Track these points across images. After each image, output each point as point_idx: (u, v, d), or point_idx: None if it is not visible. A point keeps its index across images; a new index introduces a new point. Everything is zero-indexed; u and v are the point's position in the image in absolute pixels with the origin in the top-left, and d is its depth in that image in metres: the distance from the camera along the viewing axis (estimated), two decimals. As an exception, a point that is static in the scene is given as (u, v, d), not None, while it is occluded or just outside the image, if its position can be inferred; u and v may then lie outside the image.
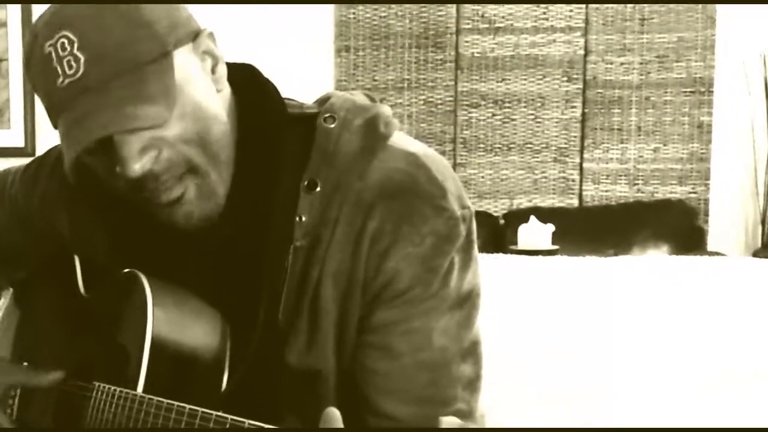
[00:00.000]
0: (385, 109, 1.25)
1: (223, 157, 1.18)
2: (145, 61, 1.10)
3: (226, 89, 1.22)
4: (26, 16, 4.60)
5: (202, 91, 1.16)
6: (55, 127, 1.15)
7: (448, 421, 0.86)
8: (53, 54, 1.10)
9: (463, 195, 1.22)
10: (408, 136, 1.26)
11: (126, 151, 1.11)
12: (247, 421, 1.01)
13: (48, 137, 4.54)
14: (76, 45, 1.09)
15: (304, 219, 1.18)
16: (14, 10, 4.61)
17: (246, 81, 1.25)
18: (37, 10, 4.50)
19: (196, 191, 1.16)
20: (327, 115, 1.22)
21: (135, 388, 1.15)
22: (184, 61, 1.14)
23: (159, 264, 1.24)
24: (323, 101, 1.27)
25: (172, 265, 1.25)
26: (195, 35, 1.17)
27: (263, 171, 1.21)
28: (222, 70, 1.20)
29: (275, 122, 1.23)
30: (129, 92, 1.08)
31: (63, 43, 1.09)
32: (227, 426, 1.03)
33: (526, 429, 2.21)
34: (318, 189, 1.19)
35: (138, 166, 1.11)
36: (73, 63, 1.09)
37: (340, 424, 0.98)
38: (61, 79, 1.10)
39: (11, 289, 1.53)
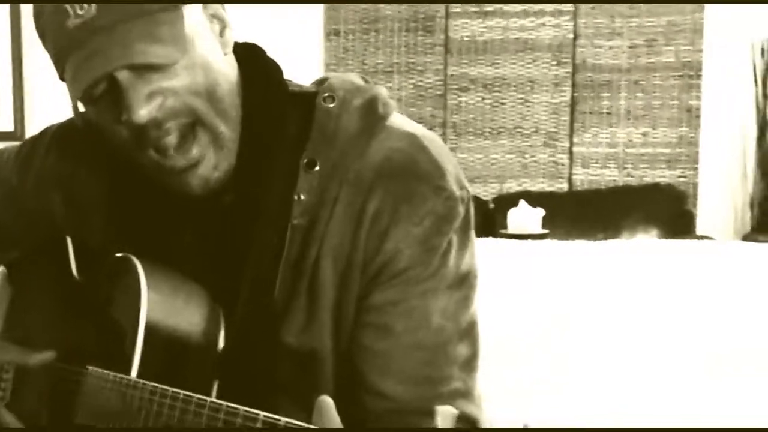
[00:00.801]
0: (383, 91, 1.26)
1: (231, 115, 1.18)
2: (157, 9, 1.10)
3: (232, 59, 1.22)
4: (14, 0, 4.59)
5: (210, 48, 1.16)
6: (62, 78, 1.15)
7: (444, 409, 0.86)
8: (66, 3, 1.10)
9: (461, 176, 1.23)
10: (406, 117, 1.27)
11: (133, 95, 1.11)
12: (242, 408, 1.01)
13: (37, 121, 4.54)
14: None
15: (302, 197, 1.18)
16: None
17: (250, 57, 1.25)
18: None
19: (213, 149, 1.17)
20: (326, 94, 1.23)
21: (129, 373, 1.15)
22: (194, 17, 1.15)
23: (155, 241, 1.25)
24: (320, 82, 1.27)
25: (168, 242, 1.25)
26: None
27: (264, 147, 1.21)
28: (229, 35, 1.20)
29: (277, 99, 1.24)
30: (140, 32, 1.09)
31: None
32: (221, 413, 1.03)
33: (527, 429, 2.22)
34: (317, 168, 1.19)
35: (144, 111, 1.11)
36: (85, 5, 1.09)
37: (333, 413, 0.98)
38: (72, 20, 1.10)
39: (2, 270, 1.52)
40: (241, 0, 4.41)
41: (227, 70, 1.19)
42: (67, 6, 1.10)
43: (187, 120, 1.14)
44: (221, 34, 1.19)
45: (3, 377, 1.40)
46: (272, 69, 1.27)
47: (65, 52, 1.12)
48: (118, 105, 1.12)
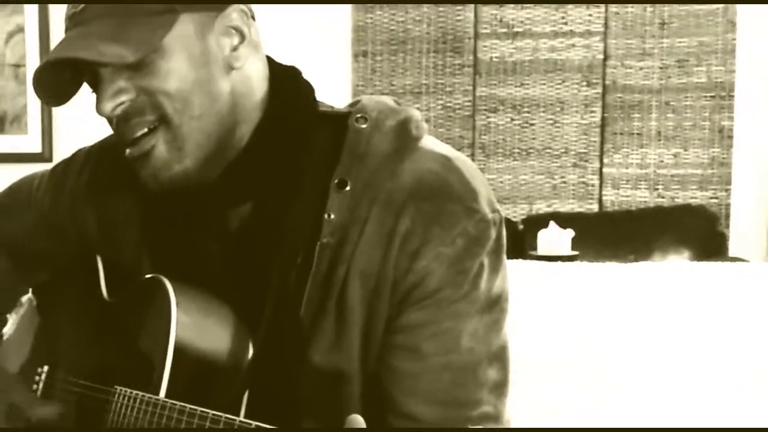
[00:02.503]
0: (416, 113, 1.27)
1: (211, 124, 1.19)
2: (144, 11, 1.14)
3: (258, 76, 1.22)
4: (43, 22, 4.62)
5: (202, 58, 1.17)
6: None
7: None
8: None
9: (493, 198, 1.23)
10: (437, 140, 1.27)
11: (103, 89, 1.16)
12: (271, 428, 1.01)
13: (65, 143, 4.57)
14: None
15: (332, 217, 1.19)
16: (32, 16, 4.63)
17: (284, 76, 1.27)
18: (54, 17, 4.53)
19: (166, 147, 1.18)
20: (359, 115, 1.23)
21: (157, 393, 1.15)
22: (193, 25, 1.16)
23: (184, 261, 1.25)
24: (354, 104, 1.28)
25: (196, 262, 1.25)
26: (221, 9, 1.19)
27: (283, 163, 1.21)
28: (245, 51, 1.21)
29: (303, 117, 1.24)
30: (109, 30, 1.13)
31: None
32: (251, 432, 1.03)
33: (537, 429, 2.21)
34: (348, 188, 1.19)
35: (110, 105, 1.16)
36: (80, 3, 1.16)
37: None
38: (69, 11, 1.18)
39: (29, 292, 1.53)
40: None
41: (222, 82, 1.19)
42: (72, 5, 1.18)
43: (153, 117, 1.16)
44: (235, 48, 1.20)
45: (33, 384, 1.41)
46: (303, 89, 1.28)
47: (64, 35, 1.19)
48: (96, 96, 1.17)
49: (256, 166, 1.21)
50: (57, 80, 1.20)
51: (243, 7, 1.21)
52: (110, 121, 1.19)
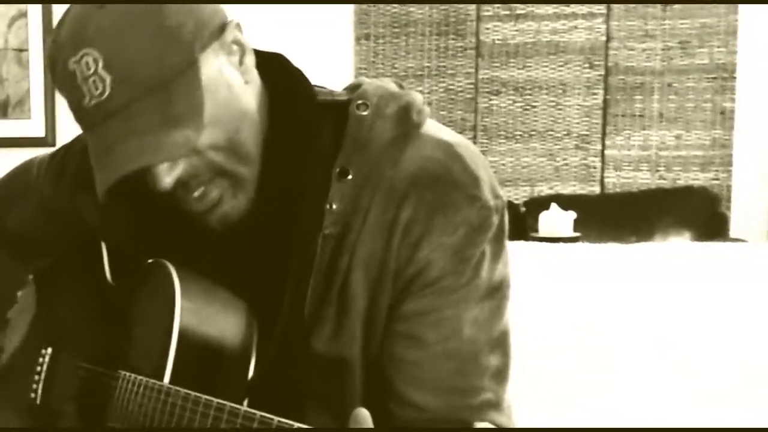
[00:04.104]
0: (417, 97, 1.25)
1: (253, 155, 1.18)
2: (172, 75, 1.09)
3: (255, 79, 1.21)
4: (46, 6, 4.61)
5: (230, 90, 1.15)
6: (93, 162, 1.15)
7: (483, 425, 0.86)
8: (77, 73, 1.09)
9: (495, 185, 1.22)
10: (440, 124, 1.26)
11: (157, 168, 1.12)
12: (276, 419, 1.01)
13: (68, 127, 4.55)
14: (101, 64, 1.08)
15: (334, 207, 1.18)
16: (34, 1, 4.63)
17: (275, 69, 1.25)
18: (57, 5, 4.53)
19: (231, 191, 1.17)
20: (359, 102, 1.22)
21: (161, 379, 1.15)
22: (211, 63, 1.13)
23: (186, 251, 1.25)
24: (354, 88, 1.26)
25: (199, 253, 1.25)
26: (221, 30, 1.16)
27: (293, 159, 1.21)
28: (250, 61, 1.19)
29: (305, 110, 1.23)
30: (155, 117, 1.08)
31: (87, 62, 1.08)
32: (255, 423, 1.03)
33: (549, 429, 2.21)
34: (350, 177, 1.18)
35: (169, 179, 1.12)
36: (98, 83, 1.08)
37: (370, 424, 0.98)
38: (87, 99, 1.09)
39: (30, 278, 1.54)
40: (273, 0, 4.41)
41: (248, 104, 1.18)
42: (81, 83, 1.09)
43: (210, 175, 1.15)
44: (241, 62, 1.18)
45: (35, 378, 1.41)
46: (298, 80, 1.26)
47: (83, 126, 1.14)
48: (144, 171, 1.12)
49: (273, 169, 1.21)
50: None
51: (226, 17, 1.18)
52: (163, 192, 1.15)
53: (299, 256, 1.19)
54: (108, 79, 1.08)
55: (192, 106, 1.09)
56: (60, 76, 1.12)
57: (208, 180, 1.16)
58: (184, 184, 1.15)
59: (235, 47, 1.18)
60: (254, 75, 1.20)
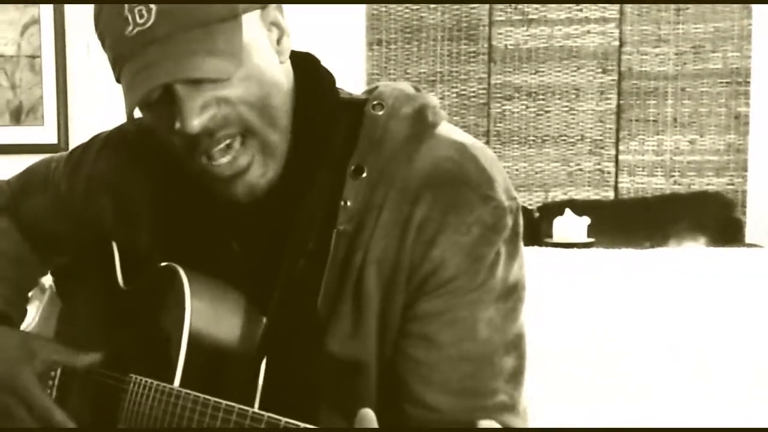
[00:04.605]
0: (433, 99, 1.26)
1: (282, 124, 1.19)
2: (215, 19, 1.10)
3: (288, 67, 1.22)
4: (58, 13, 4.63)
5: (266, 58, 1.17)
6: (118, 81, 1.16)
7: (487, 424, 0.85)
8: (125, 6, 1.11)
9: (510, 186, 1.22)
10: (454, 127, 1.26)
11: (187, 105, 1.12)
12: (284, 419, 1.01)
13: (81, 134, 4.58)
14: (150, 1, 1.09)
15: (349, 204, 1.18)
16: (47, 8, 4.64)
17: (305, 66, 1.26)
18: (69, 8, 4.54)
19: (262, 158, 1.17)
20: (375, 102, 1.23)
21: (172, 382, 1.15)
22: (252, 27, 1.15)
23: (200, 248, 1.25)
24: (371, 91, 1.28)
25: (213, 249, 1.25)
26: (264, 5, 1.18)
27: (314, 153, 1.21)
28: (287, 43, 1.21)
29: (329, 106, 1.24)
30: (197, 45, 1.09)
31: None
32: (263, 424, 1.03)
33: (559, 429, 2.20)
34: (364, 175, 1.19)
35: (197, 122, 1.12)
36: (144, 12, 1.10)
37: (374, 425, 0.97)
38: (130, 28, 1.11)
39: (50, 278, 1.54)
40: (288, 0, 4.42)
41: (281, 79, 1.19)
42: (128, 13, 1.10)
43: (238, 130, 1.15)
44: (279, 42, 1.19)
45: (50, 375, 1.42)
46: (326, 77, 1.28)
47: (122, 59, 1.13)
48: (172, 112, 1.13)
49: (297, 160, 1.21)
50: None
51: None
52: (178, 135, 1.15)
53: (293, 248, 1.19)
54: (154, 9, 1.09)
55: (232, 46, 1.11)
56: (106, 13, 1.14)
57: (235, 134, 1.15)
58: (211, 134, 1.14)
59: (274, 27, 1.19)
60: (288, 61, 1.21)
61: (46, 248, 1.54)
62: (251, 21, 1.15)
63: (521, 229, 1.23)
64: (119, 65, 1.14)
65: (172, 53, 1.09)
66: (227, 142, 1.15)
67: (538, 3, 4.57)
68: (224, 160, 1.16)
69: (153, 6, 1.09)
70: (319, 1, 4.54)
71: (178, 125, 1.12)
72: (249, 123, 1.15)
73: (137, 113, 1.17)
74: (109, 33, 1.14)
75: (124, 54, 1.12)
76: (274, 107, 1.17)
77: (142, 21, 1.10)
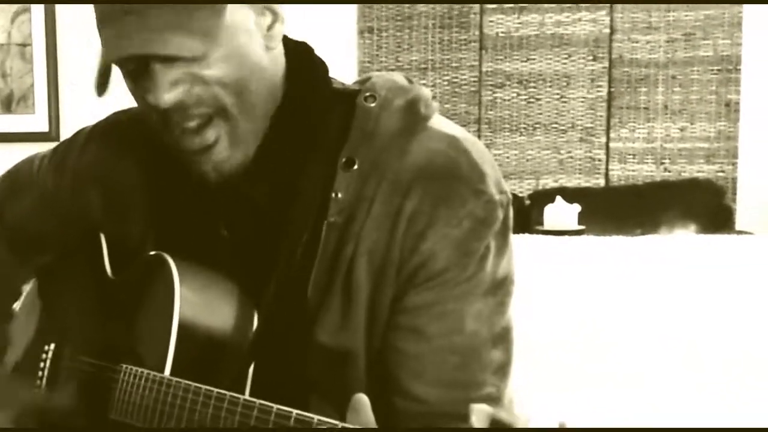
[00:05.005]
0: (426, 92, 1.26)
1: (259, 111, 1.19)
2: None
3: (279, 54, 1.22)
4: (49, 1, 4.62)
5: (251, 42, 1.16)
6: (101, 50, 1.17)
7: (479, 409, 0.85)
8: None
9: (501, 180, 1.22)
10: (447, 120, 1.26)
11: (159, 80, 1.12)
12: (275, 407, 1.01)
13: (72, 122, 4.58)
14: None
15: (340, 195, 1.18)
16: (38, -4, 4.64)
17: (299, 54, 1.26)
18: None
19: (228, 138, 1.17)
20: (368, 94, 1.23)
21: (162, 371, 1.15)
22: (237, 11, 1.14)
23: (190, 237, 1.25)
24: (364, 81, 1.27)
25: (203, 238, 1.26)
26: None
27: (301, 143, 1.21)
28: (279, 29, 1.20)
29: (320, 95, 1.24)
30: (171, 20, 1.10)
31: None
32: (255, 411, 1.03)
33: (550, 429, 2.20)
34: (356, 167, 1.19)
35: (167, 96, 1.13)
36: None
37: (368, 411, 0.97)
38: None
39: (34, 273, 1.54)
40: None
41: (266, 64, 1.19)
42: None
43: (212, 110, 1.15)
44: (270, 27, 1.19)
45: (39, 375, 1.42)
46: (319, 66, 1.28)
47: (101, 24, 1.15)
48: (147, 86, 1.13)
49: (279, 148, 1.21)
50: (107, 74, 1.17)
51: None
52: (153, 109, 1.16)
53: (290, 239, 1.19)
54: None
55: (208, 26, 1.11)
56: None
57: (208, 114, 1.16)
58: (183, 110, 1.15)
59: (267, 12, 1.19)
60: (279, 47, 1.22)
61: (33, 248, 1.53)
62: (237, 5, 1.15)
63: (511, 223, 1.24)
64: (99, 29, 1.15)
65: (146, 26, 1.10)
66: (198, 120, 1.16)
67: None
68: (192, 124, 1.16)
69: None
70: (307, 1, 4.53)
71: (150, 99, 1.13)
72: (223, 104, 1.15)
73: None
74: None
75: (104, 19, 1.14)
76: (253, 91, 1.17)
77: None
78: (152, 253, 1.25)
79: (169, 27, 1.10)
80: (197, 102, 1.14)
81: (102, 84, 1.16)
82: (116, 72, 1.19)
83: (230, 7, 1.13)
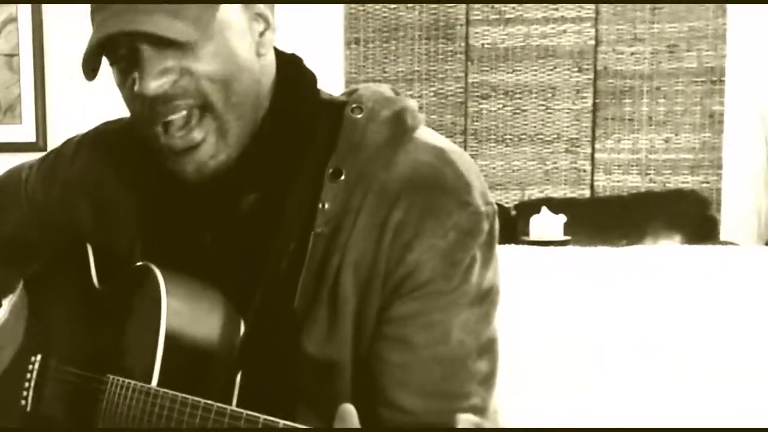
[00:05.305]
0: (412, 103, 1.26)
1: (245, 111, 1.19)
2: None
3: (270, 61, 1.23)
4: (36, 11, 4.61)
5: (242, 43, 1.18)
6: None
7: (465, 419, 0.86)
8: None
9: (487, 192, 1.23)
10: (433, 131, 1.27)
11: (148, 67, 1.13)
12: (262, 417, 1.02)
13: (59, 132, 4.57)
14: None
15: (326, 206, 1.19)
16: (25, 6, 4.63)
17: (289, 65, 1.27)
18: (47, 7, 4.53)
19: (215, 135, 1.17)
20: (355, 105, 1.23)
21: (149, 382, 1.15)
22: (231, 11, 1.16)
23: (178, 247, 1.25)
24: (351, 93, 1.28)
25: (190, 248, 1.26)
26: None
27: (287, 152, 1.22)
28: (270, 37, 1.22)
29: (308, 106, 1.25)
30: (163, 6, 1.11)
31: None
32: (242, 422, 1.03)
33: (538, 429, 2.21)
34: (342, 178, 1.19)
35: (154, 84, 1.13)
36: None
37: (355, 421, 0.98)
38: None
39: (21, 285, 1.54)
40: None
41: (255, 68, 1.20)
42: None
43: (196, 102, 1.15)
44: (262, 34, 1.20)
45: (25, 386, 1.41)
46: (307, 77, 1.29)
47: (97, 8, 1.15)
48: (134, 75, 1.14)
49: (266, 156, 1.22)
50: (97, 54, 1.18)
51: None
52: (138, 100, 1.16)
53: (277, 249, 1.20)
54: None
55: (199, 14, 1.13)
56: None
57: (193, 109, 1.16)
58: (168, 100, 1.15)
59: (260, 19, 1.20)
60: (270, 56, 1.22)
61: (21, 258, 1.53)
62: (231, 6, 1.16)
63: (497, 234, 1.24)
64: (93, 14, 1.16)
65: (138, 8, 1.11)
66: (184, 112, 1.16)
67: (514, 2, 4.59)
68: (179, 133, 1.16)
69: None
70: (297, 1, 4.54)
71: (136, 86, 1.14)
72: (208, 97, 1.15)
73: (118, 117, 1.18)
74: None
75: (98, 6, 1.15)
76: (239, 91, 1.17)
77: None
78: (139, 263, 1.26)
79: (162, 11, 1.11)
80: (183, 93, 1.15)
81: (92, 69, 1.17)
82: (105, 79, 1.20)
83: (222, 7, 1.14)
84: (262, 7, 1.20)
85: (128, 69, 1.16)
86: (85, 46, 1.16)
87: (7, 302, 1.53)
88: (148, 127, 1.18)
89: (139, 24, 1.11)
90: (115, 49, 1.16)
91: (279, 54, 1.26)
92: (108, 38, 1.13)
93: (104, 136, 1.41)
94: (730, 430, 2.17)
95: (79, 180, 1.41)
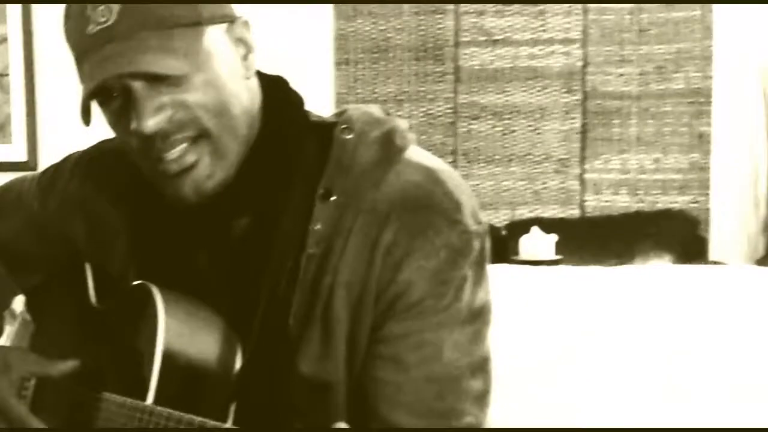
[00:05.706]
0: (402, 123, 1.27)
1: (239, 132, 1.20)
2: (177, 23, 1.13)
3: (255, 84, 1.24)
4: (27, 31, 4.61)
5: (230, 69, 1.19)
6: (82, 82, 1.17)
7: None
8: (89, 6, 1.14)
9: (477, 211, 1.23)
10: (423, 151, 1.28)
11: (143, 105, 1.14)
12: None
13: (50, 152, 4.56)
14: (113, 5, 1.13)
15: (318, 227, 1.19)
16: (15, 26, 4.62)
17: (275, 87, 1.28)
18: (38, 27, 4.52)
19: (210, 156, 1.18)
20: (344, 126, 1.24)
21: (145, 399, 1.15)
22: (216, 38, 1.17)
23: (173, 267, 1.26)
24: (340, 114, 1.29)
25: (185, 268, 1.26)
26: (231, 21, 1.20)
27: (278, 174, 1.22)
28: (253, 60, 1.23)
29: (296, 128, 1.25)
30: (154, 43, 1.12)
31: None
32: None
33: (538, 429, 2.21)
34: (333, 198, 1.20)
35: (152, 122, 1.14)
36: (105, 12, 1.12)
37: None
38: (91, 27, 1.13)
39: (23, 304, 1.54)
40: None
41: (244, 92, 1.20)
42: (90, 12, 1.13)
43: (194, 133, 1.16)
44: (245, 58, 1.21)
45: (22, 394, 1.41)
46: (294, 99, 1.30)
47: (83, 55, 1.15)
48: (129, 114, 1.14)
49: (256, 179, 1.22)
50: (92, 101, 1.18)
51: (243, 18, 1.22)
52: (134, 137, 1.16)
53: (274, 272, 1.20)
54: (115, 9, 1.12)
55: (188, 47, 1.14)
56: (72, 13, 1.17)
57: (190, 138, 1.17)
58: (166, 136, 1.16)
59: (240, 44, 1.22)
60: (254, 79, 1.23)
61: (20, 267, 1.53)
62: (215, 31, 1.18)
63: (488, 253, 1.25)
64: (80, 61, 1.17)
65: (130, 49, 1.12)
66: (184, 145, 1.17)
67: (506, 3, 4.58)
68: (174, 153, 1.17)
69: (114, 6, 1.12)
70: (288, 1, 4.53)
71: (134, 125, 1.14)
72: (205, 127, 1.16)
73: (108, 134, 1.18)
74: (72, 32, 1.17)
75: (85, 50, 1.15)
76: (233, 116, 1.19)
77: (103, 20, 1.13)
78: (137, 282, 1.26)
79: (152, 49, 1.12)
80: (180, 127, 1.16)
81: (87, 114, 1.17)
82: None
83: (207, 34, 1.16)
84: (240, 31, 1.22)
85: (121, 110, 1.16)
86: (74, 77, 1.17)
87: (10, 322, 1.54)
88: (146, 161, 1.19)
89: (135, 65, 1.12)
90: (108, 92, 1.17)
91: (262, 76, 1.27)
92: (104, 82, 1.14)
93: (100, 156, 1.42)
94: (729, 430, 2.17)
95: (76, 198, 1.41)
